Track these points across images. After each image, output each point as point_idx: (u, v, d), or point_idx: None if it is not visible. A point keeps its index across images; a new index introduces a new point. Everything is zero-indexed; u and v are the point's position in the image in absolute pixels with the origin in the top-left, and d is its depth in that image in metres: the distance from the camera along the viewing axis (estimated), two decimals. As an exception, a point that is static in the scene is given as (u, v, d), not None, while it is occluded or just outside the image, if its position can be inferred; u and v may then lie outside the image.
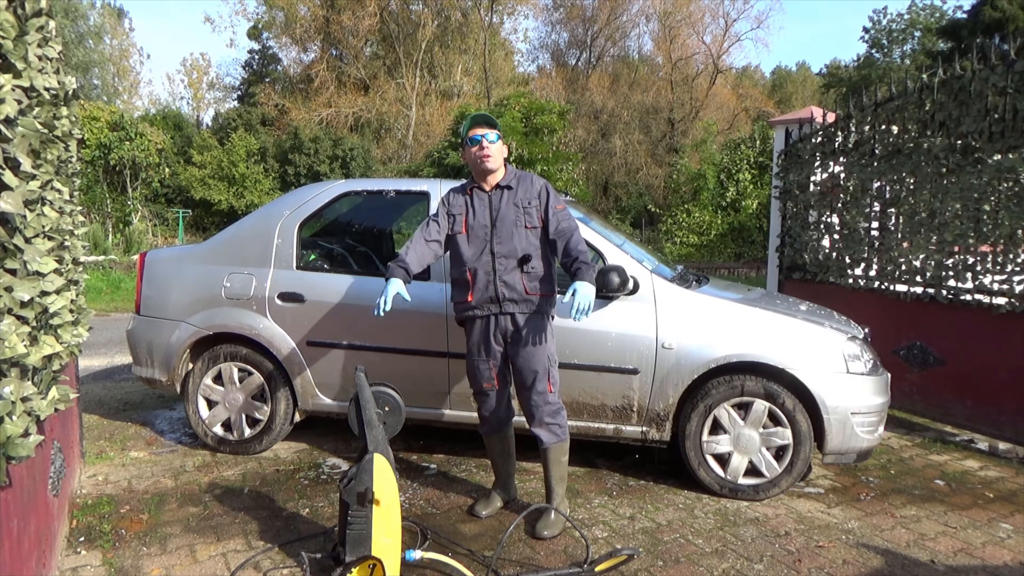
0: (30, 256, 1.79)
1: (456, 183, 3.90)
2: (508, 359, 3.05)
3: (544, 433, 3.00)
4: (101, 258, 14.25)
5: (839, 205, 5.82)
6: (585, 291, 2.76)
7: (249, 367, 3.87)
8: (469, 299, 3.00)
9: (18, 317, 1.75)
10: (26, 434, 1.73)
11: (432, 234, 3.04)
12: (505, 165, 3.08)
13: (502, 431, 3.18)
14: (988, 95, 4.26)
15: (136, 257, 13.67)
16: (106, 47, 33.31)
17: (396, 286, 2.86)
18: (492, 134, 2.99)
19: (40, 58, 2.08)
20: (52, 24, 2.38)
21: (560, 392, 3.06)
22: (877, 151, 5.31)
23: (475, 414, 3.65)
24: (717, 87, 31.68)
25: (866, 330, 3.89)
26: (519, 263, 2.95)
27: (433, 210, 3.79)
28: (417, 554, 2.58)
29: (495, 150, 2.99)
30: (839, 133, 5.78)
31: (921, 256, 4.83)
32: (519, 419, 3.23)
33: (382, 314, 2.81)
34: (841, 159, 5.79)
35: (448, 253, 3.12)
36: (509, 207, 2.98)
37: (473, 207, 3.03)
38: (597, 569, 2.64)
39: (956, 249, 4.56)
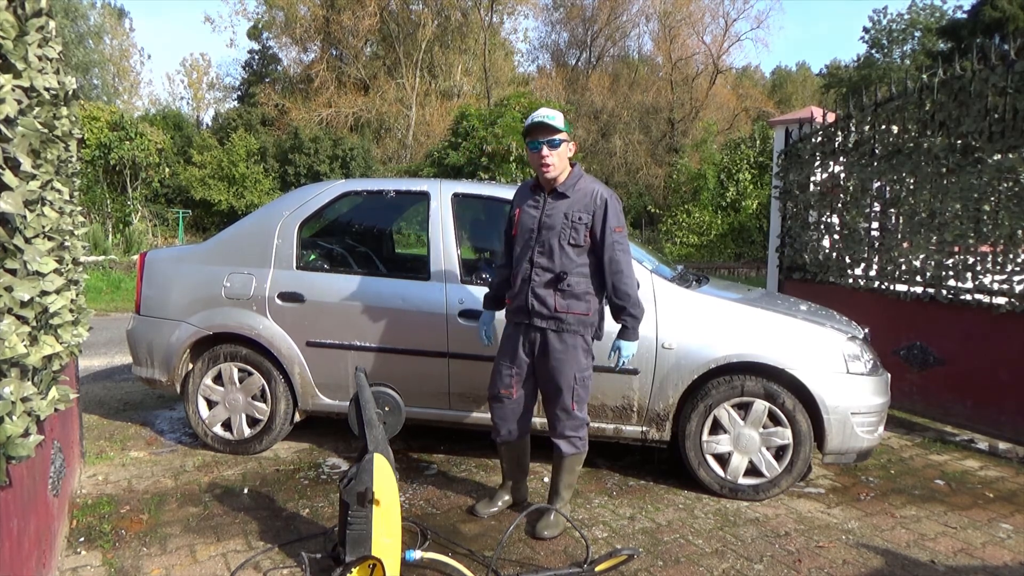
0: (30, 256, 1.79)
1: (457, 183, 3.92)
2: (535, 371, 2.99)
3: (564, 444, 2.98)
4: (101, 258, 14.24)
5: (839, 205, 5.82)
6: (627, 350, 2.94)
7: (249, 367, 3.86)
8: (507, 302, 3.02)
9: (18, 317, 1.75)
10: (26, 434, 1.73)
11: (506, 242, 3.11)
12: (572, 165, 2.92)
13: (515, 442, 3.12)
14: (988, 95, 4.26)
15: (136, 257, 13.66)
16: (106, 47, 33.33)
17: (487, 317, 3.24)
18: (555, 139, 2.80)
19: (40, 58, 2.08)
20: (52, 24, 2.38)
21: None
22: (877, 151, 5.31)
23: (475, 414, 3.67)
24: (717, 87, 31.68)
25: (866, 330, 3.89)
26: (555, 279, 2.85)
27: (433, 210, 3.80)
28: (417, 554, 2.58)
29: (557, 157, 2.82)
30: (839, 133, 5.78)
31: (921, 256, 4.83)
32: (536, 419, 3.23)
33: (487, 342, 3.24)
34: (841, 159, 5.79)
35: None
36: (557, 217, 2.84)
37: (527, 208, 2.94)
38: (597, 569, 2.65)
39: (956, 249, 4.56)
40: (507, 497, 3.24)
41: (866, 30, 37.70)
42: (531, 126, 2.84)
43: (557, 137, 2.81)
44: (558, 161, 2.84)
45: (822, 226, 6.07)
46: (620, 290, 2.87)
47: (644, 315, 2.96)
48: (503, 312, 3.17)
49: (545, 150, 2.81)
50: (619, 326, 2.96)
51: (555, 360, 2.90)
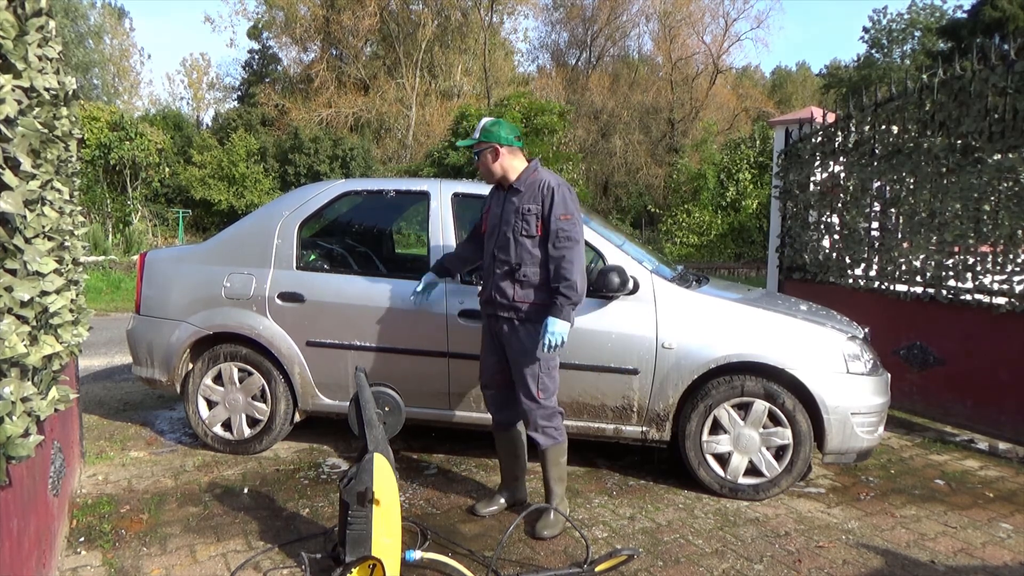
0: (30, 256, 1.79)
1: (457, 183, 3.92)
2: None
3: (540, 437, 3.01)
4: (101, 258, 14.24)
5: (839, 205, 5.82)
6: (555, 327, 2.83)
7: (249, 367, 3.86)
8: (480, 296, 3.18)
9: (18, 317, 1.75)
10: (26, 434, 1.73)
11: (475, 231, 3.31)
12: (529, 161, 3.07)
13: (507, 430, 3.19)
14: (988, 95, 4.26)
15: (136, 257, 13.66)
16: (106, 47, 33.31)
17: (426, 278, 3.45)
18: (475, 151, 3.05)
19: (40, 58, 2.08)
20: (52, 24, 2.38)
21: (560, 393, 3.06)
22: (877, 151, 5.31)
23: (475, 414, 3.68)
24: (717, 87, 31.68)
25: (866, 330, 3.89)
26: (510, 270, 2.95)
27: (433, 210, 3.81)
28: (417, 554, 2.58)
29: (484, 165, 3.05)
30: (839, 133, 5.78)
31: (921, 256, 4.83)
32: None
33: (417, 305, 3.51)
34: (841, 159, 5.79)
35: None
36: (511, 211, 2.98)
37: (492, 206, 3.13)
38: (597, 569, 2.64)
39: (956, 249, 4.56)
40: (506, 496, 3.26)
41: (866, 30, 37.71)
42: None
43: (475, 149, 3.06)
44: (485, 168, 3.05)
45: (822, 226, 6.07)
46: (559, 274, 2.87)
47: (580, 304, 2.90)
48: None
49: (479, 160, 3.08)
50: (545, 326, 2.91)
51: (518, 350, 2.97)
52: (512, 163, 3.03)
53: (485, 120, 3.08)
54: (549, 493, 3.07)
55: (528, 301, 2.94)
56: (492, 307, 3.04)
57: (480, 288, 3.23)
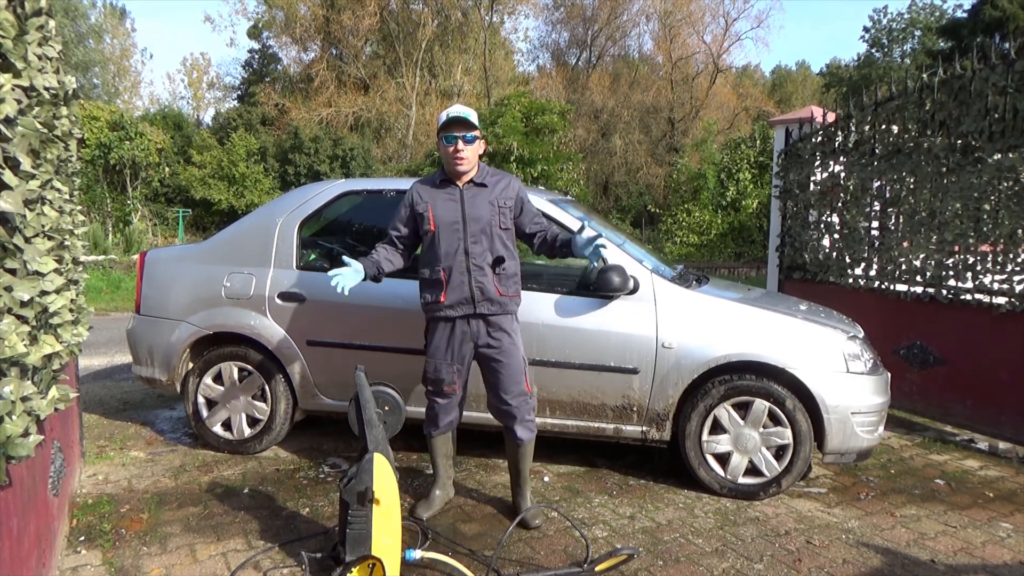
0: (30, 256, 1.79)
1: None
2: (479, 362, 3.02)
3: (522, 430, 3.00)
4: (101, 258, 14.23)
5: (839, 205, 5.82)
6: (587, 234, 2.98)
7: (249, 367, 3.86)
8: (442, 299, 2.94)
9: (18, 317, 1.75)
10: (26, 434, 1.73)
11: (398, 235, 3.10)
12: (479, 160, 3.02)
13: (446, 433, 3.18)
14: (988, 95, 4.26)
15: (136, 257, 13.65)
16: (106, 47, 33.29)
17: (354, 265, 2.96)
18: (469, 135, 2.88)
19: (40, 58, 2.08)
20: (52, 23, 2.38)
21: (560, 393, 3.06)
22: (877, 151, 5.31)
23: (475, 414, 3.66)
24: (717, 87, 31.65)
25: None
26: (492, 264, 2.94)
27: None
28: (417, 554, 2.58)
29: (470, 152, 2.91)
30: (839, 133, 5.78)
31: (921, 256, 4.83)
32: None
33: (346, 293, 2.93)
34: (841, 159, 5.79)
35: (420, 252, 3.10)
36: (484, 206, 2.93)
37: (444, 202, 2.96)
38: (597, 569, 2.65)
39: (956, 249, 4.56)
40: (441, 495, 3.22)
41: (866, 29, 37.74)
42: (448, 121, 2.90)
43: (471, 133, 2.88)
44: (471, 155, 2.92)
45: (822, 226, 6.07)
46: (552, 233, 3.07)
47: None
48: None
49: (460, 144, 2.89)
50: (587, 240, 2.96)
51: (506, 345, 2.96)
52: (477, 160, 3.02)
53: (466, 108, 2.92)
54: (524, 482, 3.09)
55: (507, 294, 2.97)
56: (470, 306, 2.92)
57: (443, 293, 2.93)
